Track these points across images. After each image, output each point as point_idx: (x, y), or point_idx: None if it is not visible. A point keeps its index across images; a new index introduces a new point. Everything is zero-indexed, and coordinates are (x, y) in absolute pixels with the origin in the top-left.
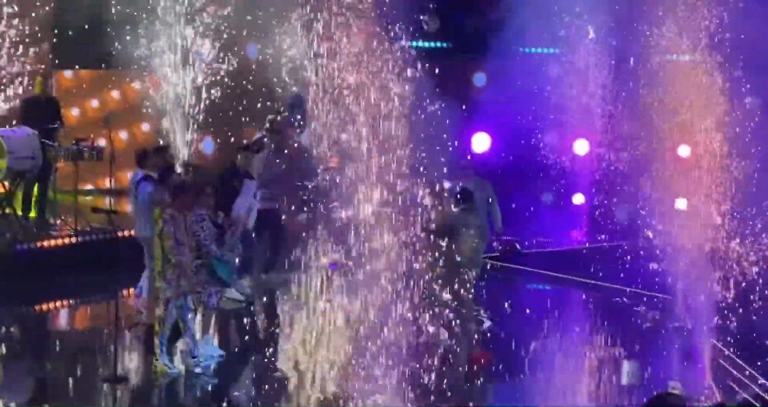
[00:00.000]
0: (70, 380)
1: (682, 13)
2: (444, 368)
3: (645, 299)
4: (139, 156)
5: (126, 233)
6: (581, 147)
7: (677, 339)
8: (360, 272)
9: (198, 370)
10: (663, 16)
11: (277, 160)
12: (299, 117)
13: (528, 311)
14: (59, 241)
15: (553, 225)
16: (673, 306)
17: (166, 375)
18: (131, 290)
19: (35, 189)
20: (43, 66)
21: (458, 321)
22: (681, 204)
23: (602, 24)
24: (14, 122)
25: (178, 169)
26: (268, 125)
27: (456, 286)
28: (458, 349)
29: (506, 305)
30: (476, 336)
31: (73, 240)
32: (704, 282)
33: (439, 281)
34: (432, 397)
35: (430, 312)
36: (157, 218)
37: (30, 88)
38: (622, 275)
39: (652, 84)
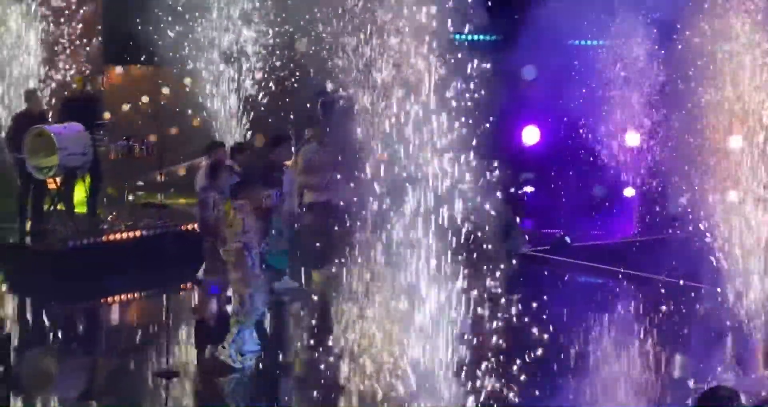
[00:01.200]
0: (124, 375)
1: (734, 3)
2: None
3: (696, 291)
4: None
5: (179, 228)
6: (632, 139)
7: (730, 332)
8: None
9: (238, 366)
10: (715, 6)
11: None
12: (325, 118)
13: (577, 303)
14: (110, 237)
15: (603, 217)
16: (726, 299)
17: (233, 366)
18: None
19: (86, 185)
20: (88, 65)
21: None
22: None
23: (652, 15)
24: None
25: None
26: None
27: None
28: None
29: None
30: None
31: (125, 235)
32: (757, 274)
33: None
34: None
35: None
36: (229, 208)
37: (74, 86)
38: (672, 267)
39: (703, 75)
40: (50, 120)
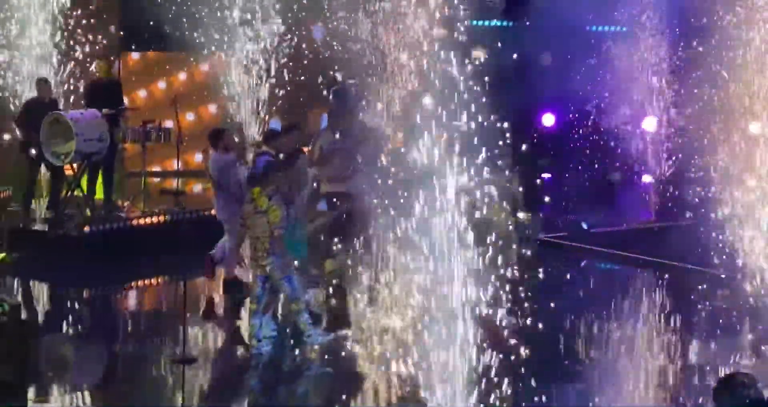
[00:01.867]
0: (140, 361)
1: None
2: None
3: (714, 278)
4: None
5: (196, 214)
6: (649, 124)
7: (748, 318)
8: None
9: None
10: None
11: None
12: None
13: (593, 289)
14: (128, 223)
15: (620, 203)
16: (744, 285)
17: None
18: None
19: (103, 171)
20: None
21: None
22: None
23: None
24: (83, 104)
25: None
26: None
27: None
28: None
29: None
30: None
31: (142, 221)
32: None
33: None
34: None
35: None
36: (258, 195)
37: (95, 71)
38: (690, 253)
39: (721, 61)
40: (60, 107)
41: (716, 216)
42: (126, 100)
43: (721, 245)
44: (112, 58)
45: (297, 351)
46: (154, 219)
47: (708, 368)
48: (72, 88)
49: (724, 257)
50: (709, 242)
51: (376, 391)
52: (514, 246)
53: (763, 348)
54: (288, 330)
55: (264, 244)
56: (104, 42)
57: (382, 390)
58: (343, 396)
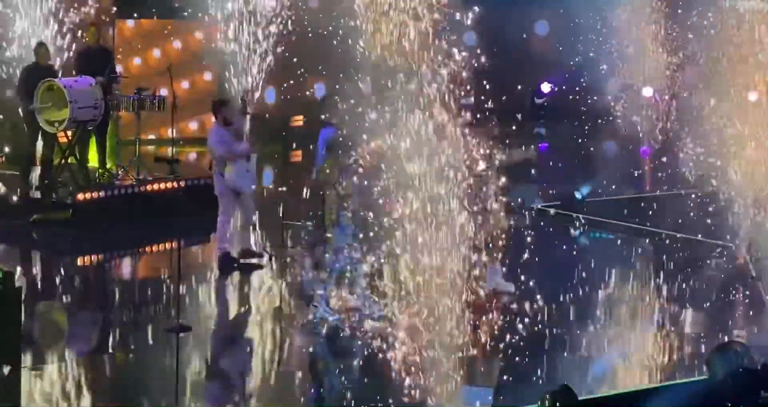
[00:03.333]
0: (134, 329)
1: None
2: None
3: (708, 248)
4: None
5: (190, 182)
6: (646, 92)
7: (742, 288)
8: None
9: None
10: None
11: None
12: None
13: (587, 259)
14: (121, 191)
15: (615, 172)
16: (738, 255)
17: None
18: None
19: (96, 138)
20: (100, 18)
21: None
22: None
23: None
24: (73, 72)
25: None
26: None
27: None
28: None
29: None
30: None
31: (136, 189)
32: None
33: None
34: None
35: None
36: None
37: (88, 37)
38: (685, 223)
39: (719, 29)
40: (59, 73)
41: (712, 186)
42: (119, 68)
43: (715, 214)
44: (101, 25)
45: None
46: (149, 186)
47: (702, 337)
48: (66, 56)
49: (719, 226)
50: (703, 211)
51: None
52: (508, 215)
53: (757, 316)
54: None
55: (331, 216)
56: (98, 8)
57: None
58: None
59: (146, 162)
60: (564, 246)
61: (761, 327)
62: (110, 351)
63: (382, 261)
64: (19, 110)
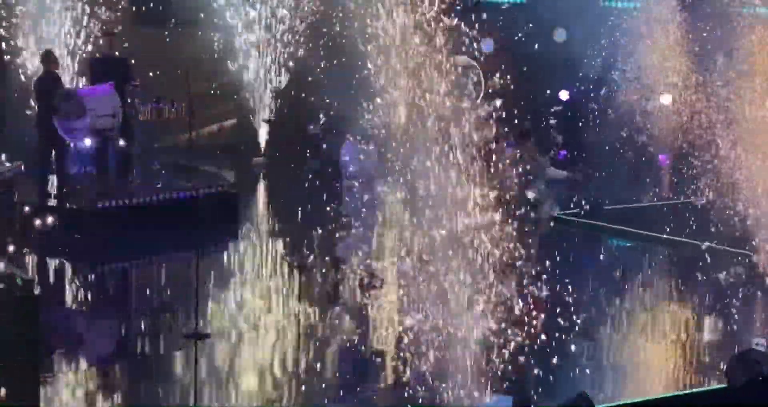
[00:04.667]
0: (153, 336)
1: None
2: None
3: (727, 256)
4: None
5: (210, 189)
6: (665, 103)
7: (761, 295)
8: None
9: None
10: None
11: None
12: None
13: (608, 267)
14: (141, 199)
15: (635, 181)
16: (756, 263)
17: None
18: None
19: (115, 147)
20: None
21: None
22: None
23: None
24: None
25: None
26: None
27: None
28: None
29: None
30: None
31: (155, 197)
32: None
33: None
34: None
35: None
36: None
37: (103, 47)
38: (704, 231)
39: (735, 38)
40: (62, 81)
41: (731, 194)
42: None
43: (735, 223)
44: (116, 33)
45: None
46: (167, 195)
47: (722, 345)
48: (82, 64)
49: (736, 234)
50: (723, 220)
51: None
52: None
53: None
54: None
55: None
56: (117, 17)
57: None
58: None
59: (165, 170)
60: (583, 254)
61: None
62: (127, 358)
63: None
64: (34, 118)
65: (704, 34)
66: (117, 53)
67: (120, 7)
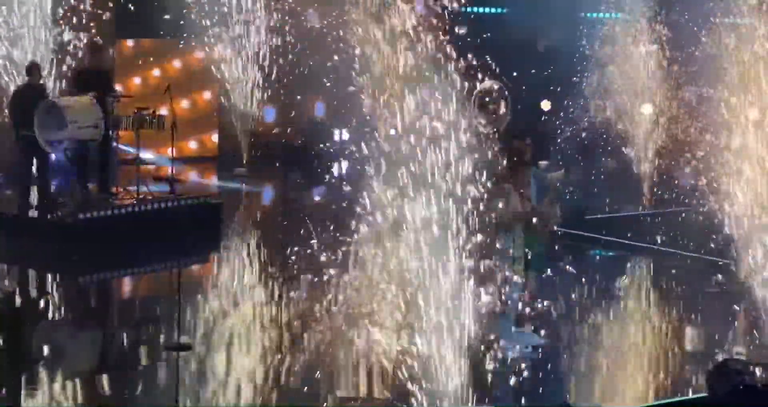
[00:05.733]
0: (134, 348)
1: None
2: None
3: (708, 265)
4: None
5: (189, 201)
6: (645, 113)
7: (741, 304)
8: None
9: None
10: None
11: None
12: None
13: (590, 276)
14: (121, 210)
15: (616, 190)
16: (737, 272)
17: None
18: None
19: (97, 158)
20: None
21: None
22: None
23: None
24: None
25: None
26: None
27: None
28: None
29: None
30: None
31: (135, 209)
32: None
33: None
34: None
35: None
36: None
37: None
38: (684, 241)
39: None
40: (49, 93)
41: (712, 203)
42: (119, 88)
43: (715, 232)
44: (100, 45)
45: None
46: (148, 206)
47: (702, 354)
48: (65, 75)
49: (717, 243)
50: (704, 229)
51: None
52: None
53: (756, 333)
54: None
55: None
56: (99, 28)
57: None
58: None
59: (145, 181)
60: (566, 264)
61: (761, 344)
62: (108, 370)
63: None
64: (13, 130)
65: (683, 44)
66: (99, 65)
67: (103, 18)
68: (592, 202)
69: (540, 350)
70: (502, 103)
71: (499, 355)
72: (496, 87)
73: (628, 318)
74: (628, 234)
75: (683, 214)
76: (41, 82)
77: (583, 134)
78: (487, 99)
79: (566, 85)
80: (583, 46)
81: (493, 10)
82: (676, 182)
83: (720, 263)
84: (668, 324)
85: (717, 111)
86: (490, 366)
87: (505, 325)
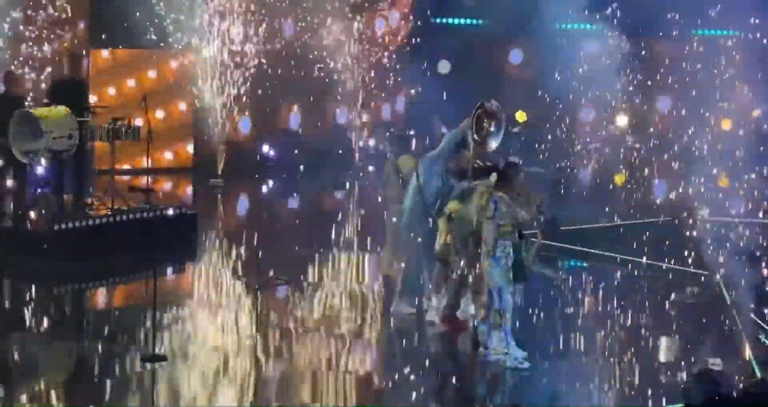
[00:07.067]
0: (109, 359)
1: None
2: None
3: (683, 275)
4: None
5: (165, 211)
6: (620, 125)
7: (717, 315)
8: None
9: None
10: None
11: None
12: None
13: (566, 287)
14: (96, 221)
15: (591, 201)
16: (712, 283)
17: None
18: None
19: (72, 169)
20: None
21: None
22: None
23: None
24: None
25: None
26: None
27: None
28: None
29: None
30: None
31: (111, 219)
32: (744, 257)
33: None
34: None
35: None
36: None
37: (61, 68)
38: (660, 251)
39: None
40: (29, 103)
41: (685, 214)
42: (94, 98)
43: (689, 242)
44: (75, 55)
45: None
46: (123, 216)
47: (679, 364)
48: (39, 85)
49: (693, 254)
50: (677, 239)
51: None
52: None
53: (731, 343)
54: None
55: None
56: (73, 38)
57: None
58: None
59: (121, 192)
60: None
61: (737, 354)
62: (82, 382)
63: None
64: None
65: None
66: (75, 75)
67: (79, 28)
68: (568, 213)
69: (522, 363)
70: (494, 123)
71: (481, 368)
72: (495, 107)
73: (603, 330)
74: (603, 245)
75: (659, 224)
76: (20, 92)
77: (556, 144)
78: (485, 118)
79: (540, 97)
80: (557, 57)
81: (467, 21)
82: (651, 193)
83: (695, 273)
84: (644, 335)
85: (690, 123)
86: (472, 377)
87: (491, 336)
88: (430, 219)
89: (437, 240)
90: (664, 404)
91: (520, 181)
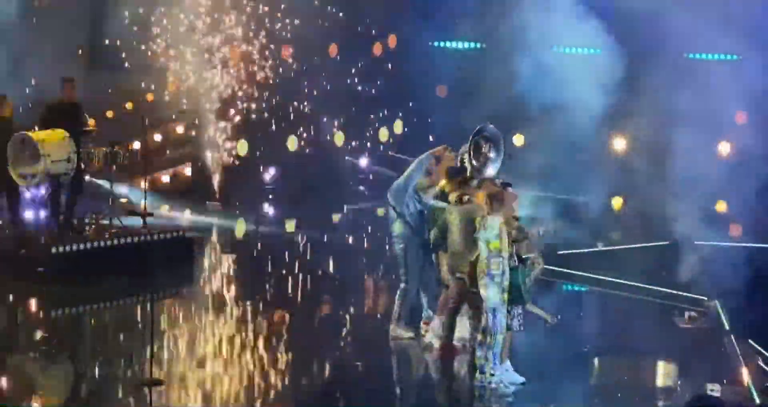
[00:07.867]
0: (107, 383)
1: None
2: None
3: (682, 300)
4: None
5: (163, 235)
6: (619, 144)
7: (715, 340)
8: None
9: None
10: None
11: None
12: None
13: (563, 311)
14: (94, 244)
15: (588, 225)
16: (711, 307)
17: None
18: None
19: (69, 192)
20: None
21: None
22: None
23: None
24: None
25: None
26: None
27: None
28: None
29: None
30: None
31: (108, 243)
32: (742, 282)
33: None
34: None
35: None
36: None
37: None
38: (657, 276)
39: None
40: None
41: (683, 238)
42: (91, 122)
43: (687, 266)
44: (72, 79)
45: None
46: (120, 240)
47: (675, 389)
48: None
49: (691, 278)
50: (677, 264)
51: None
52: None
53: (729, 368)
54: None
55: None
56: (70, 62)
57: None
58: None
59: (118, 215)
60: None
61: (734, 380)
62: (80, 404)
63: None
64: None
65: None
66: (72, 98)
67: (79, 52)
68: (565, 238)
69: (508, 386)
70: (493, 148)
71: (478, 393)
72: (493, 132)
73: (601, 354)
74: (601, 270)
75: (656, 249)
76: (10, 115)
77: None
78: (483, 143)
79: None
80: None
81: (468, 44)
82: (647, 217)
83: (692, 297)
84: (642, 359)
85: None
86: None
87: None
88: (423, 243)
89: (440, 266)
90: None
91: (508, 202)
